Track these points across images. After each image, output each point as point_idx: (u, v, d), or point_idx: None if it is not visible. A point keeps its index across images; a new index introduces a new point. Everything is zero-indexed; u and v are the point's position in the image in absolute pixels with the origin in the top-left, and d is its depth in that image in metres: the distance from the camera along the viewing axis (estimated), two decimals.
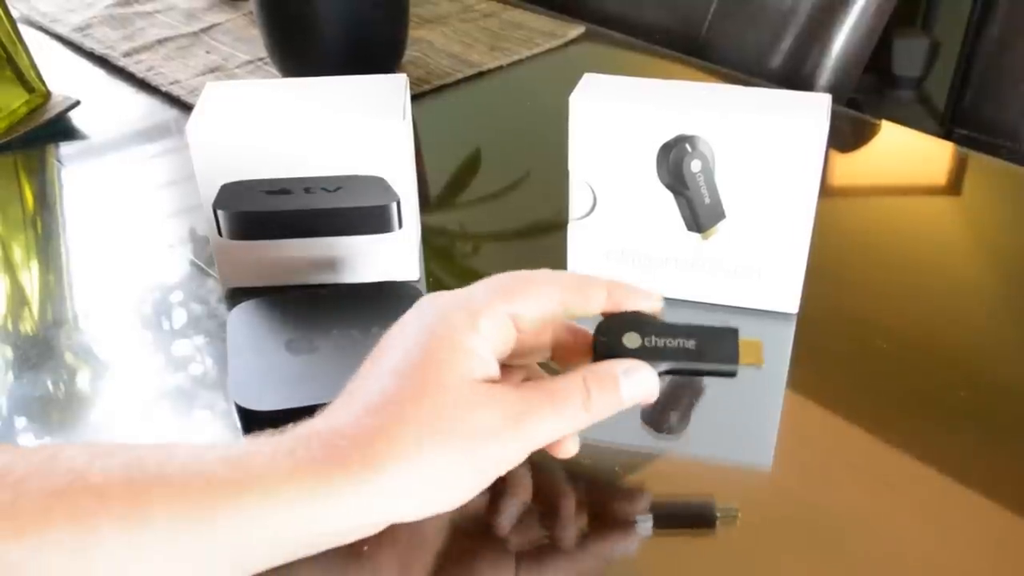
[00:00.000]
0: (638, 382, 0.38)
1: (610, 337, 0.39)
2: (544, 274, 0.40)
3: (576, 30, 0.91)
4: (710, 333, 0.39)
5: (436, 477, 0.34)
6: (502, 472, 0.36)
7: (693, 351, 0.39)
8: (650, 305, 0.40)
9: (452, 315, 0.37)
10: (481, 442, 0.35)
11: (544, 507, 0.41)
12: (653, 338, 0.39)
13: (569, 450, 0.39)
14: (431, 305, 0.38)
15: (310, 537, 0.34)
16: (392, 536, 0.36)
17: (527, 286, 0.39)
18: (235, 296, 0.54)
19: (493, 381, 0.37)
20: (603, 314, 0.40)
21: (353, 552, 0.36)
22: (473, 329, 0.37)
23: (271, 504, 0.33)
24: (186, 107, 0.78)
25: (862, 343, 0.50)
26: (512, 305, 0.38)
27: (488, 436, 0.35)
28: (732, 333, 0.39)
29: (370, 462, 0.33)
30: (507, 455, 0.36)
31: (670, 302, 0.52)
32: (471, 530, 0.39)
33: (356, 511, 0.34)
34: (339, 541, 0.35)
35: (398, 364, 0.36)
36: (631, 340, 0.39)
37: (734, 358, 0.39)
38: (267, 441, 0.34)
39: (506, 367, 0.40)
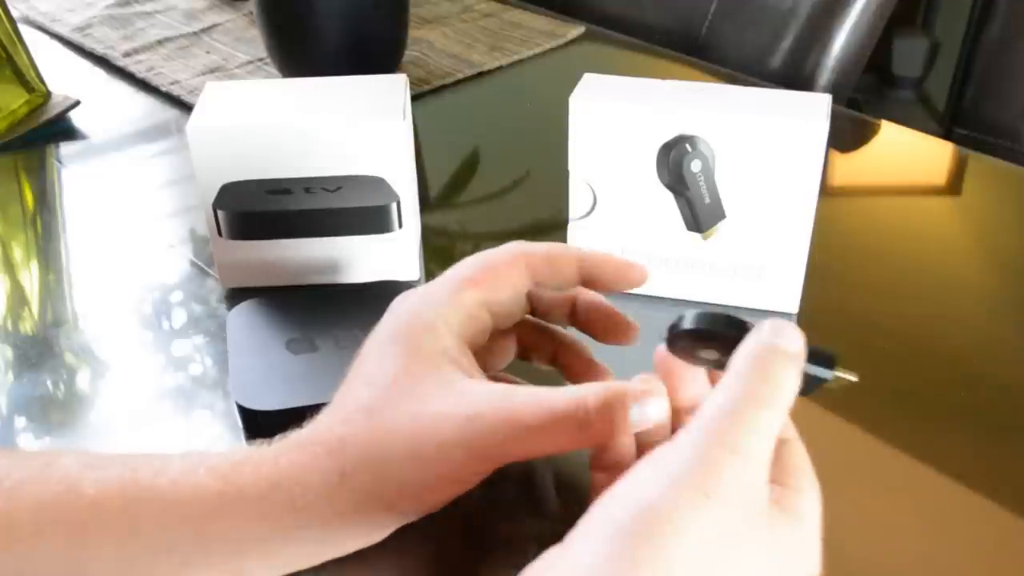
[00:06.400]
0: (648, 411, 0.34)
1: (684, 347, 0.35)
2: (509, 253, 0.39)
3: (576, 30, 0.91)
4: None
5: (404, 483, 0.34)
6: (476, 482, 0.35)
7: None
8: (629, 276, 0.39)
9: (419, 317, 0.37)
10: (445, 453, 0.34)
11: (541, 505, 0.41)
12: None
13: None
14: (400, 307, 0.38)
15: (301, 546, 0.34)
16: (390, 537, 0.36)
17: (492, 271, 0.38)
18: (235, 296, 0.54)
19: (467, 371, 0.36)
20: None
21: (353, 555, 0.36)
22: (442, 326, 0.37)
23: (258, 515, 0.33)
24: (186, 107, 0.78)
25: (862, 343, 0.50)
26: (479, 292, 0.38)
27: (451, 448, 0.34)
28: (812, 380, 0.35)
29: (340, 467, 0.34)
30: (476, 468, 0.34)
31: (671, 302, 0.53)
32: (468, 530, 0.39)
33: (336, 515, 0.34)
34: (332, 552, 0.35)
35: (371, 371, 0.36)
36: (709, 354, 0.35)
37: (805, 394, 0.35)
38: (256, 451, 0.35)
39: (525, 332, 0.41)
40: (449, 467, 0.34)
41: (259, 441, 0.35)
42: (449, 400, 0.35)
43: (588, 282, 0.40)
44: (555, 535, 0.40)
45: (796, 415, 0.46)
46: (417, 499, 0.35)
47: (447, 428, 0.34)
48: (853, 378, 0.35)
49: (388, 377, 0.36)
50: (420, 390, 0.35)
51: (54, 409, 0.48)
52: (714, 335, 0.35)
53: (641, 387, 0.34)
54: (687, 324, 0.35)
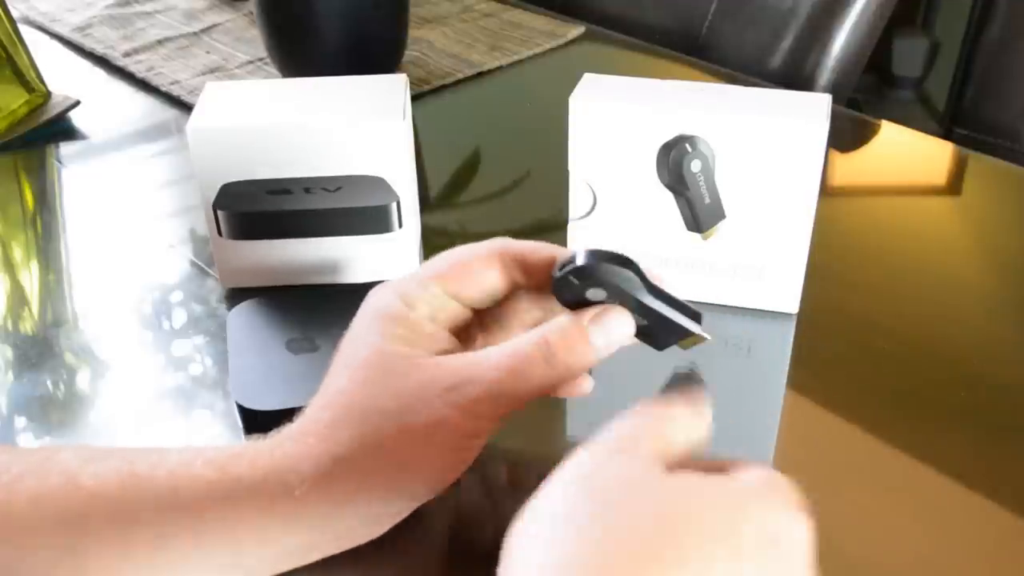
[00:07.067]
0: (610, 329, 0.37)
1: (572, 289, 0.37)
2: (485, 250, 0.39)
3: (576, 30, 0.91)
4: (665, 323, 0.38)
5: (401, 461, 0.34)
6: (476, 449, 0.36)
7: (639, 329, 0.38)
8: None
9: (388, 302, 0.38)
10: (437, 421, 0.34)
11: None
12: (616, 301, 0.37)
13: (582, 389, 0.39)
14: (374, 296, 0.39)
15: (299, 537, 0.34)
16: (389, 536, 0.36)
17: (464, 267, 0.39)
18: (235, 296, 0.54)
19: (448, 352, 0.37)
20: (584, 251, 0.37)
21: (354, 552, 0.36)
22: (409, 310, 0.37)
23: (254, 506, 0.33)
24: (186, 107, 0.78)
25: (862, 343, 0.50)
26: (447, 286, 0.38)
27: (443, 414, 0.34)
28: (681, 331, 0.38)
29: (332, 452, 0.34)
30: (470, 429, 0.35)
31: None
32: (466, 529, 0.39)
33: (334, 503, 0.34)
34: (333, 545, 0.35)
35: (349, 358, 0.37)
36: (595, 295, 0.37)
37: (667, 346, 0.39)
38: (252, 445, 0.35)
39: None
40: (444, 434, 0.35)
41: (255, 437, 0.35)
42: (427, 374, 0.35)
43: None
44: None
45: (797, 416, 0.46)
46: (418, 474, 0.35)
47: (431, 397, 0.35)
48: (710, 337, 0.39)
49: (360, 359, 0.36)
50: (398, 368, 0.35)
51: (54, 409, 0.48)
52: (599, 273, 0.36)
53: (597, 309, 0.36)
54: (572, 263, 0.36)
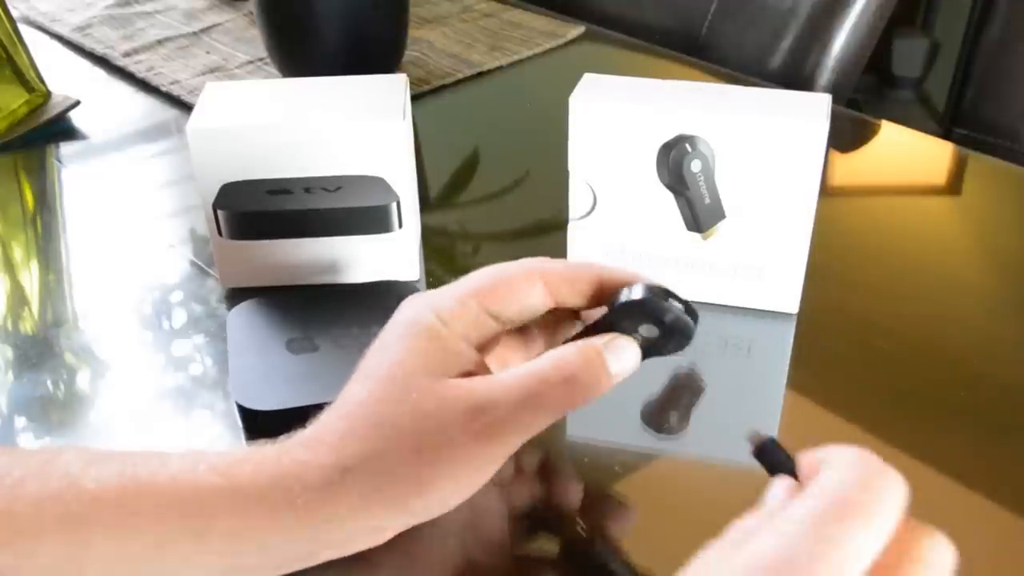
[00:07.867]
0: (621, 357, 0.37)
1: (637, 317, 0.37)
2: (524, 270, 0.39)
3: (576, 30, 0.91)
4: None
5: (410, 478, 0.34)
6: (488, 474, 0.35)
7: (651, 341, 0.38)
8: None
9: (422, 316, 0.37)
10: (452, 445, 0.34)
11: (544, 507, 0.41)
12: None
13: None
14: (407, 307, 0.38)
15: (301, 544, 0.34)
16: (393, 540, 0.36)
17: (504, 287, 0.38)
18: (235, 296, 0.54)
19: (472, 374, 0.37)
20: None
21: (355, 557, 0.36)
22: (443, 327, 0.37)
23: (258, 512, 0.33)
24: (186, 107, 0.78)
25: (862, 343, 0.50)
26: (487, 304, 0.38)
27: (459, 439, 0.34)
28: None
29: (342, 463, 0.34)
30: (486, 455, 0.35)
31: None
32: (470, 530, 0.39)
33: (337, 513, 0.34)
34: (335, 552, 0.35)
35: (372, 368, 0.37)
36: (648, 331, 0.37)
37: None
38: (257, 450, 0.35)
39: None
40: (458, 458, 0.34)
41: (262, 441, 0.35)
42: (447, 396, 0.35)
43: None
44: (558, 536, 0.40)
45: (797, 416, 0.46)
46: (428, 494, 0.35)
47: (449, 420, 0.34)
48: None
49: (384, 371, 0.36)
50: (419, 387, 0.35)
51: (54, 409, 0.48)
52: (651, 309, 0.37)
53: (609, 336, 0.37)
54: (625, 298, 0.37)
